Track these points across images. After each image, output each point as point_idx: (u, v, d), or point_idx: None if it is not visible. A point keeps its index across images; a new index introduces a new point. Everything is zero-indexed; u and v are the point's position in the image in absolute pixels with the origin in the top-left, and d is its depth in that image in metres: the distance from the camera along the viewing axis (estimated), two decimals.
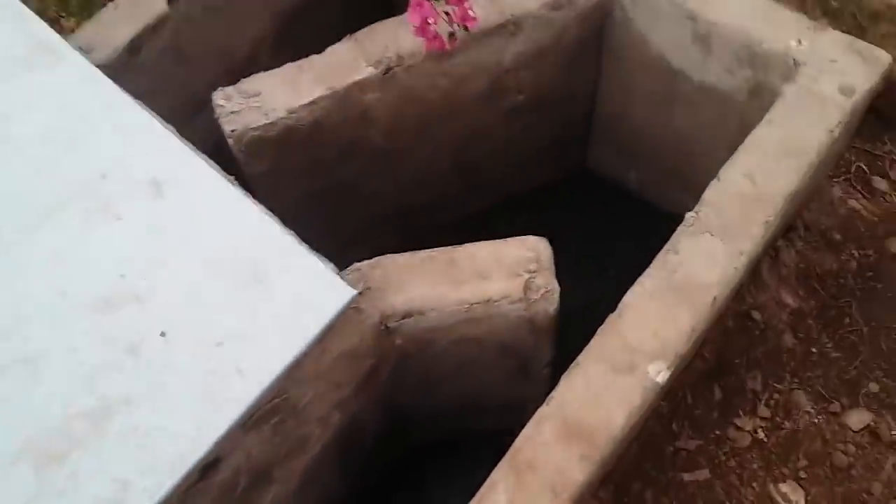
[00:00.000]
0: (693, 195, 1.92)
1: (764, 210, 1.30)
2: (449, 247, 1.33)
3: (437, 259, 1.30)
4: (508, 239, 1.34)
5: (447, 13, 1.36)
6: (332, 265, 1.19)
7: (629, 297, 1.23)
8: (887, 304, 1.61)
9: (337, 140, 1.59)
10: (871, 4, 2.01)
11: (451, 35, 1.36)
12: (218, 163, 1.29)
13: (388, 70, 1.52)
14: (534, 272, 1.27)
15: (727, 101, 1.62)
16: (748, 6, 1.52)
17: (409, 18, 1.33)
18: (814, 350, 1.56)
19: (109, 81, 1.32)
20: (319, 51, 1.54)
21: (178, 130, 1.79)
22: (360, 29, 1.55)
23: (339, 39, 1.54)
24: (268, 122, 1.47)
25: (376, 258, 1.32)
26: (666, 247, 1.29)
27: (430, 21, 1.33)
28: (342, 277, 1.21)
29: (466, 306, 1.26)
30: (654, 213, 2.05)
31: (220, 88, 1.51)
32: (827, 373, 1.53)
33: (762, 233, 1.28)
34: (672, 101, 1.75)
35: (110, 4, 1.63)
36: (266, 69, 1.54)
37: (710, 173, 1.83)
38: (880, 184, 1.84)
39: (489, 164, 1.92)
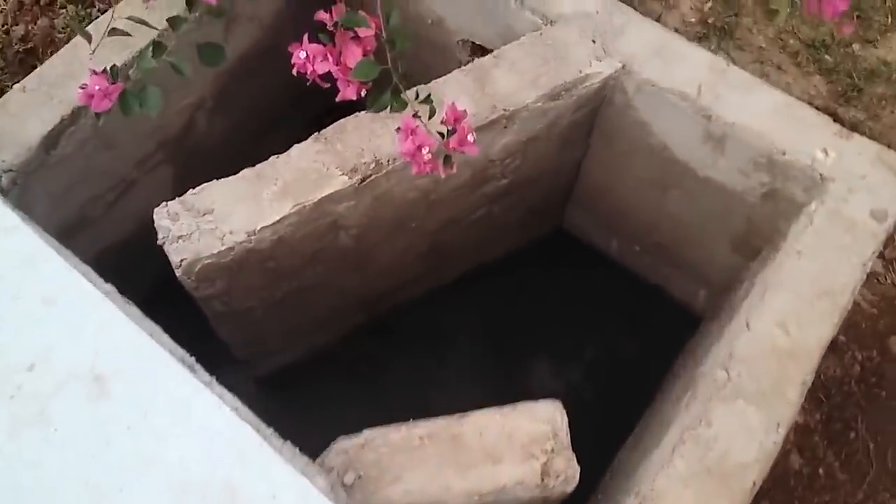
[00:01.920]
0: (685, 273, 1.81)
1: (800, 368, 1.16)
2: (452, 418, 1.15)
3: (439, 437, 1.12)
4: (518, 406, 1.16)
5: (442, 135, 1.15)
6: (322, 481, 0.98)
7: (663, 483, 1.09)
8: (892, 413, 1.53)
9: (302, 251, 1.37)
10: (867, 62, 1.88)
11: (447, 159, 1.15)
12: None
13: (364, 179, 1.30)
14: (551, 452, 1.10)
15: (735, 199, 1.47)
16: (769, 106, 1.35)
17: (401, 148, 1.11)
18: (821, 472, 1.47)
19: (32, 232, 1.05)
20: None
21: (103, 213, 1.55)
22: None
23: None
24: (224, 248, 1.24)
25: (365, 434, 1.13)
26: (697, 412, 1.15)
27: (424, 150, 1.11)
28: (327, 460, 1.02)
29: (476, 497, 1.09)
30: (637, 285, 1.91)
31: (162, 205, 1.26)
32: (835, 498, 1.45)
33: (798, 395, 1.15)
34: (668, 187, 1.59)
35: (16, 87, 1.33)
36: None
37: (708, 258, 1.71)
38: (875, 264, 1.74)
39: (464, 240, 1.73)
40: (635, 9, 1.48)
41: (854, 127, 1.84)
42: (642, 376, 1.81)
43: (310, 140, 1.31)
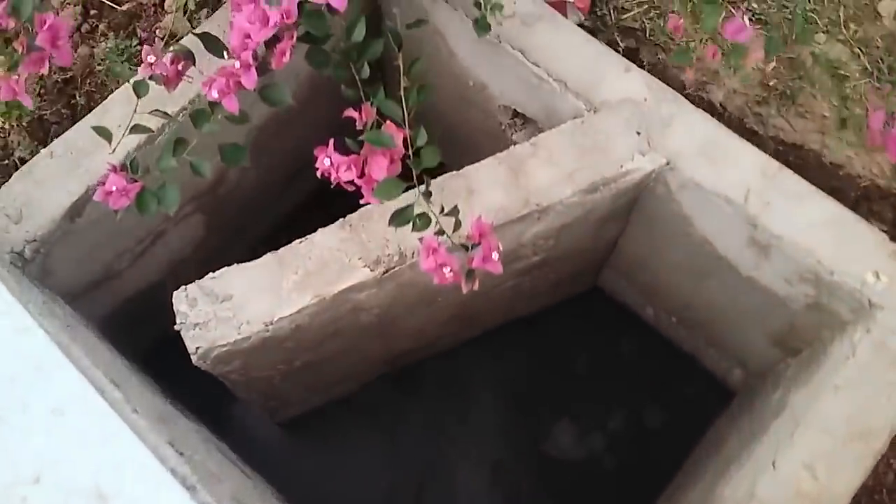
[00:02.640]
0: (721, 350, 1.74)
1: None
2: None
3: None
4: None
5: (466, 248, 1.10)
6: None
7: None
8: None
9: (321, 332, 1.35)
10: None
11: (470, 274, 1.11)
12: None
13: (387, 270, 1.26)
14: None
15: (777, 302, 1.40)
16: (820, 218, 1.27)
17: (422, 264, 1.07)
18: None
19: (44, 336, 1.05)
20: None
21: (129, 265, 1.54)
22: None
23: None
24: (240, 337, 1.22)
25: None
26: None
27: (446, 269, 1.07)
28: None
29: None
30: (670, 351, 1.85)
31: (182, 289, 1.24)
32: None
33: None
34: (706, 276, 1.52)
35: (44, 152, 1.32)
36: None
37: (744, 344, 1.64)
38: None
39: (493, 306, 1.69)
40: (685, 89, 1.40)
41: None
42: (667, 449, 1.77)
43: (335, 226, 1.28)
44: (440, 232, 1.09)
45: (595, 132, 1.33)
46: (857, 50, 1.85)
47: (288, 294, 1.23)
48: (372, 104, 1.09)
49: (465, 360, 1.87)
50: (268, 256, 1.26)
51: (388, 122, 1.07)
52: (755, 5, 1.88)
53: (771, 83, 1.81)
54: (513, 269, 1.51)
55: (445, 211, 1.10)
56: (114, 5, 1.87)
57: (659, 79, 1.85)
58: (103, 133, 1.06)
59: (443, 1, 1.43)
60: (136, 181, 1.07)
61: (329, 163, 1.07)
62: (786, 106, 1.81)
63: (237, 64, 0.99)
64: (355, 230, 1.27)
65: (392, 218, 1.08)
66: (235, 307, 1.23)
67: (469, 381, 1.87)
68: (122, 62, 1.83)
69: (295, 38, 0.99)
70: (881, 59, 1.85)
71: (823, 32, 1.87)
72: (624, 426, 1.83)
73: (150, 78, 1.10)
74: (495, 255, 1.09)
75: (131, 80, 1.09)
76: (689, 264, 1.53)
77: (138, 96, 1.09)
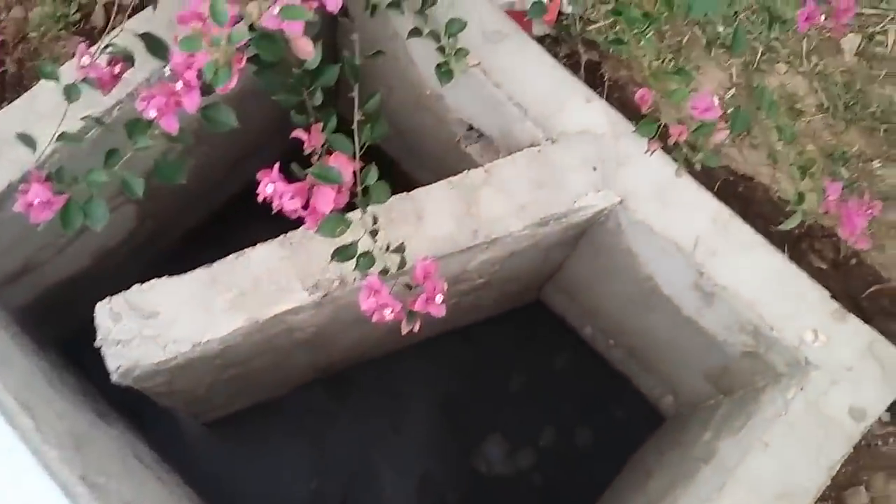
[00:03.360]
0: (656, 377, 1.74)
1: None
2: None
3: None
4: None
5: (409, 286, 1.06)
6: None
7: None
8: None
9: (252, 349, 1.30)
10: (886, 183, 1.78)
11: (412, 315, 1.07)
12: None
13: (326, 294, 1.21)
14: None
15: (715, 345, 1.40)
16: (766, 271, 1.27)
17: (362, 305, 1.03)
18: None
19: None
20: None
21: (53, 256, 1.45)
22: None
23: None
24: (166, 357, 1.16)
25: None
26: None
27: (387, 311, 1.03)
28: None
29: None
30: (605, 372, 1.85)
31: (106, 300, 1.17)
32: None
33: None
34: (649, 310, 1.51)
35: None
36: None
37: (680, 376, 1.65)
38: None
39: (431, 323, 1.65)
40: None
41: (855, 255, 1.77)
42: (596, 469, 1.78)
43: (275, 243, 1.22)
44: (384, 272, 1.05)
45: (551, 164, 1.29)
46: (815, 84, 1.85)
47: (219, 314, 1.17)
48: (322, 130, 1.03)
49: (400, 367, 1.83)
50: (200, 271, 1.20)
51: (338, 152, 1.01)
52: (720, 29, 1.86)
53: (727, 111, 1.79)
54: (455, 290, 1.48)
55: (391, 248, 1.06)
56: None
57: (618, 95, 1.83)
58: (27, 141, 0.98)
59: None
60: (61, 193, 1.00)
61: (272, 189, 1.01)
62: (739, 135, 1.80)
63: (179, 84, 0.92)
64: (295, 249, 1.22)
65: (335, 253, 1.03)
66: (162, 325, 1.16)
67: (402, 389, 1.84)
68: (59, 30, 1.71)
69: (244, 61, 0.92)
70: (839, 96, 1.85)
71: (785, 63, 1.87)
72: (554, 444, 1.83)
73: (84, 80, 1.02)
74: (439, 298, 1.05)
75: (61, 83, 1.00)
76: (632, 296, 1.52)
77: (69, 101, 1.01)
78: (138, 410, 1.61)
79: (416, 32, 1.07)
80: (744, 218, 1.31)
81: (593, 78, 1.82)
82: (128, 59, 1.07)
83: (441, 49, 0.93)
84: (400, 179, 1.49)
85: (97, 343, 1.15)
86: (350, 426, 1.80)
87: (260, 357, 1.37)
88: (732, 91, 1.81)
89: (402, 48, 1.44)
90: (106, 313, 1.16)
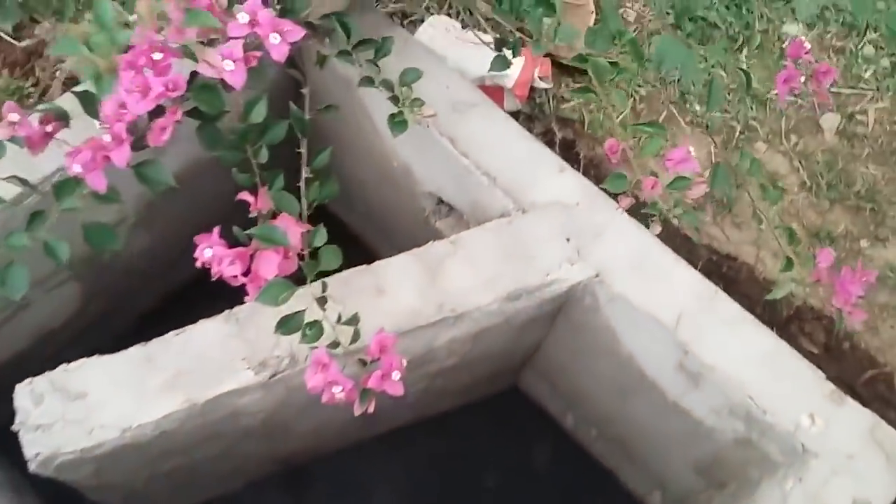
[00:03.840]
0: (642, 470, 1.61)
1: None
2: None
3: None
4: None
5: (364, 362, 0.96)
6: None
7: None
8: None
9: (193, 437, 1.17)
10: (874, 264, 1.71)
11: (366, 394, 0.96)
12: None
13: (275, 374, 1.10)
14: None
15: (704, 432, 1.29)
16: (756, 349, 1.17)
17: (309, 382, 0.92)
18: None
19: None
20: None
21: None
22: None
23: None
24: (91, 444, 1.03)
25: None
26: None
27: (336, 389, 0.92)
28: None
29: None
30: (587, 465, 1.72)
31: (27, 381, 1.05)
32: None
33: None
34: (632, 393, 1.40)
35: None
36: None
37: (668, 469, 1.52)
38: None
39: (398, 410, 1.54)
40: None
41: (849, 338, 1.68)
42: None
43: (219, 319, 1.12)
44: (334, 345, 0.94)
45: (521, 235, 1.21)
46: (796, 163, 1.80)
47: (153, 396, 1.06)
48: (269, 189, 0.95)
49: (365, 458, 1.70)
50: (134, 349, 1.09)
51: (284, 213, 0.93)
52: (697, 107, 1.82)
53: (715, 197, 1.74)
54: (424, 371, 1.37)
55: (343, 319, 0.96)
56: (13, 41, 1.70)
57: (594, 172, 1.77)
58: None
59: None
60: None
61: (210, 254, 0.92)
62: (721, 214, 1.74)
63: (107, 137, 0.84)
64: (242, 325, 1.11)
65: (279, 324, 0.92)
66: (89, 407, 1.05)
67: (368, 484, 1.70)
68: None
69: (180, 113, 0.84)
70: (820, 175, 1.80)
71: (764, 142, 1.83)
72: None
73: (12, 139, 0.94)
74: (396, 375, 0.95)
75: None
76: (614, 379, 1.41)
77: None
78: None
79: (367, 81, 1.01)
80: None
81: (568, 155, 1.77)
82: (61, 118, 0.99)
83: (395, 99, 0.87)
84: (364, 256, 1.41)
85: (14, 427, 1.03)
86: None
87: (204, 446, 1.24)
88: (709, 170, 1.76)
89: (362, 112, 1.38)
90: (27, 394, 1.04)
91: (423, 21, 1.76)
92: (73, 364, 1.07)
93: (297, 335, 0.95)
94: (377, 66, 1.03)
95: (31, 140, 0.94)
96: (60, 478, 1.11)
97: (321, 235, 0.89)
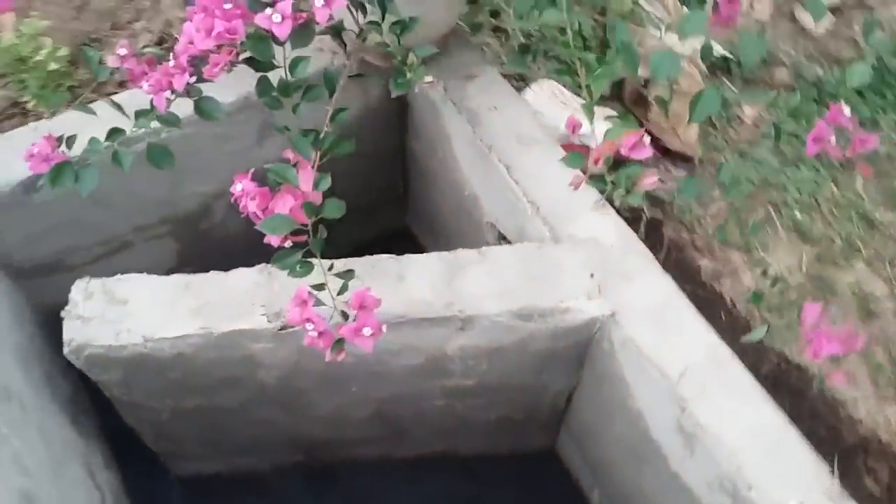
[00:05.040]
0: None
1: None
2: None
3: None
4: None
5: (345, 315, 1.03)
6: None
7: None
8: None
9: (210, 373, 1.29)
10: None
11: (338, 344, 1.03)
12: None
13: (285, 327, 1.20)
14: None
15: None
16: (758, 422, 1.12)
17: (289, 315, 1.01)
18: None
19: None
20: None
21: (86, 264, 1.54)
22: None
23: None
24: (115, 344, 1.18)
25: None
26: None
27: (310, 327, 1.00)
28: None
29: None
30: None
31: (85, 279, 1.23)
32: None
33: None
34: (644, 461, 1.35)
35: (31, 125, 1.38)
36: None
37: None
38: None
39: (423, 423, 1.57)
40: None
41: None
42: None
43: (254, 270, 1.24)
44: (320, 286, 1.03)
45: (548, 261, 1.25)
46: None
47: (178, 316, 1.19)
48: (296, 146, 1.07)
49: (391, 477, 1.73)
50: (177, 277, 1.23)
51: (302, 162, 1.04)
52: (798, 215, 1.78)
53: (793, 296, 1.68)
54: (441, 385, 1.41)
55: (333, 270, 1.05)
56: None
57: (676, 255, 1.77)
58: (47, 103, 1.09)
59: (451, 103, 1.44)
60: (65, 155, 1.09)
61: (240, 189, 1.05)
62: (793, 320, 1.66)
63: (173, 65, 1.01)
64: (272, 278, 1.23)
65: (275, 258, 1.03)
66: (125, 313, 1.20)
67: (387, 502, 1.73)
68: None
69: (236, 54, 1.00)
70: None
71: (866, 263, 1.74)
72: None
73: (118, 69, 1.14)
74: (367, 331, 1.01)
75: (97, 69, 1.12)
76: (629, 441, 1.37)
77: (97, 77, 1.12)
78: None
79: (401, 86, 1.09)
80: (793, 415, 1.17)
81: (654, 235, 1.78)
82: (157, 60, 1.18)
83: (402, 63, 0.97)
84: None
85: (62, 313, 1.20)
86: None
87: (225, 392, 1.35)
88: (798, 278, 1.69)
89: (445, 140, 1.50)
90: (81, 290, 1.21)
91: None
92: (125, 275, 1.23)
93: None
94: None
95: (132, 73, 1.14)
96: (92, 375, 1.26)
97: (326, 181, 0.99)
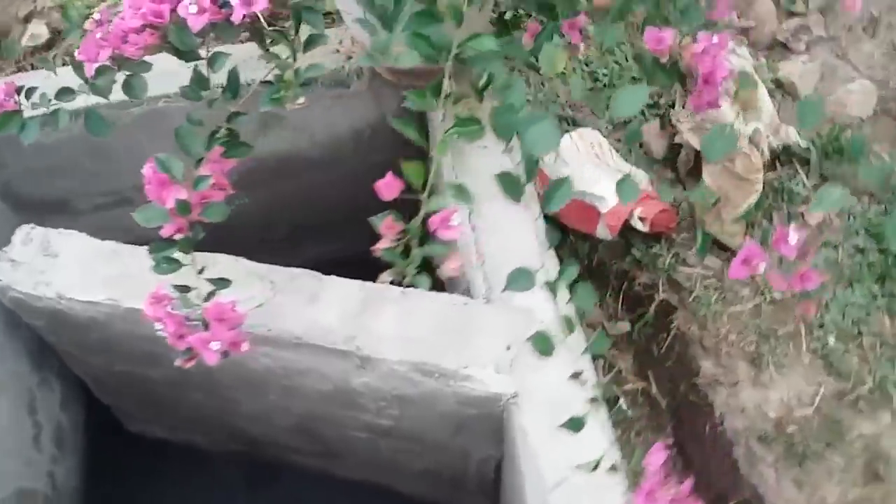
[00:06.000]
0: None
1: None
2: None
3: None
4: None
5: (206, 325, 1.00)
6: None
7: None
8: None
9: (127, 345, 1.30)
10: None
11: (187, 352, 1.00)
12: None
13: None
14: None
15: None
16: None
17: (146, 307, 1.00)
18: None
19: None
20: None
21: (90, 212, 1.61)
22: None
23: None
24: (33, 293, 1.21)
25: None
26: None
27: (159, 326, 0.98)
28: None
29: None
30: None
31: (30, 225, 1.27)
32: None
33: None
34: None
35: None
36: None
37: None
38: None
39: (354, 452, 1.51)
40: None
41: None
42: None
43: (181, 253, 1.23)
44: (184, 288, 1.00)
45: (469, 319, 1.15)
46: None
47: (94, 282, 1.21)
48: None
49: (329, 496, 1.69)
50: (110, 244, 1.25)
51: None
52: (832, 341, 1.55)
53: (794, 440, 1.46)
54: (357, 418, 1.35)
55: (199, 270, 1.02)
56: None
57: (678, 348, 1.59)
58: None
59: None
60: None
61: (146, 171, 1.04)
62: (794, 465, 1.46)
63: None
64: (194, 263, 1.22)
65: (152, 248, 1.01)
66: (51, 266, 1.23)
67: None
68: None
69: (161, 38, 0.99)
70: None
71: (892, 413, 1.49)
72: None
73: None
74: (216, 346, 0.98)
75: None
76: None
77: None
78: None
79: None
80: None
81: (662, 320, 1.61)
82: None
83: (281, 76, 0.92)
84: None
85: None
86: None
87: (148, 365, 1.36)
88: (806, 412, 1.46)
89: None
90: (23, 234, 1.26)
91: None
92: (65, 230, 1.26)
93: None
94: None
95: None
96: (19, 313, 1.30)
97: (206, 182, 0.96)
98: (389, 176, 0.86)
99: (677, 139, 1.68)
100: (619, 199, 1.54)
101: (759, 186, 1.61)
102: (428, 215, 0.84)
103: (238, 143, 0.98)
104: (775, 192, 1.66)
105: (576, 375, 1.08)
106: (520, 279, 0.92)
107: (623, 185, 0.96)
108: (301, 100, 0.91)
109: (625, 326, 1.67)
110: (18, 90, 1.13)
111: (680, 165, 1.72)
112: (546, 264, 1.21)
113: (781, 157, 1.71)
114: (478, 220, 1.25)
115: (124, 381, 1.46)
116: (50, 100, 1.11)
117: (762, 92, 1.61)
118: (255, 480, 1.73)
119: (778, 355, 1.52)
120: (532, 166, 0.97)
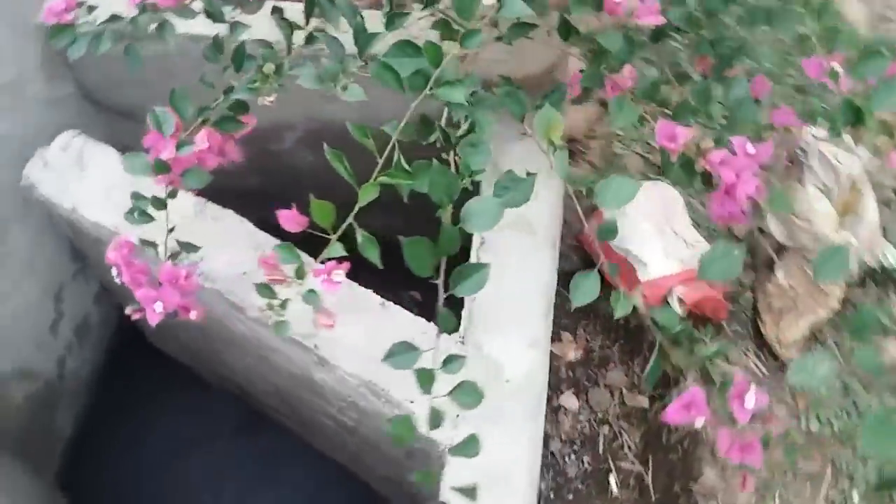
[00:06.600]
0: None
1: None
2: None
3: None
4: None
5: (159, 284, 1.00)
6: None
7: None
8: None
9: None
10: None
11: (135, 302, 1.00)
12: None
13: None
14: None
15: None
16: None
17: (109, 251, 1.00)
18: None
19: None
20: None
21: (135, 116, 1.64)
22: None
23: None
24: (51, 201, 1.25)
25: None
26: None
27: (114, 271, 0.99)
28: None
29: None
30: None
31: (75, 131, 1.31)
32: None
33: None
34: None
35: None
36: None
37: None
38: None
39: (327, 434, 1.50)
40: None
41: None
42: None
43: (193, 200, 1.24)
44: (150, 243, 1.00)
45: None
46: None
47: (107, 206, 1.23)
48: None
49: (303, 459, 1.71)
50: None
51: None
52: (856, 494, 1.37)
53: None
54: (325, 408, 1.32)
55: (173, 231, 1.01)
56: None
57: (684, 447, 1.46)
58: None
59: None
60: None
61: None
62: None
63: None
64: (203, 215, 1.22)
65: (133, 196, 1.01)
66: (77, 178, 1.26)
67: (289, 470, 1.72)
68: None
69: None
70: None
71: None
72: None
73: None
74: (158, 307, 0.97)
75: None
76: None
77: None
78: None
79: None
80: None
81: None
82: None
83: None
84: None
85: (40, 149, 1.29)
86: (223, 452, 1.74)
87: None
88: None
89: None
90: (65, 140, 1.30)
91: None
92: (102, 146, 1.29)
93: None
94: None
95: None
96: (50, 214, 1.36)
97: (188, 148, 0.94)
98: (293, 210, 0.81)
99: (762, 224, 1.52)
100: (665, 270, 1.43)
101: (836, 304, 1.43)
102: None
103: (231, 119, 0.95)
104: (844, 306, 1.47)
105: None
106: (399, 355, 0.83)
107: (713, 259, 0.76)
108: (271, 97, 0.87)
109: (643, 401, 1.55)
110: (80, 4, 1.15)
111: (758, 250, 1.56)
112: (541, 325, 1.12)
113: (878, 275, 1.51)
114: (484, 255, 1.18)
115: None
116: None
117: (868, 200, 1.41)
118: (243, 422, 1.77)
119: (789, 493, 1.36)
120: None
